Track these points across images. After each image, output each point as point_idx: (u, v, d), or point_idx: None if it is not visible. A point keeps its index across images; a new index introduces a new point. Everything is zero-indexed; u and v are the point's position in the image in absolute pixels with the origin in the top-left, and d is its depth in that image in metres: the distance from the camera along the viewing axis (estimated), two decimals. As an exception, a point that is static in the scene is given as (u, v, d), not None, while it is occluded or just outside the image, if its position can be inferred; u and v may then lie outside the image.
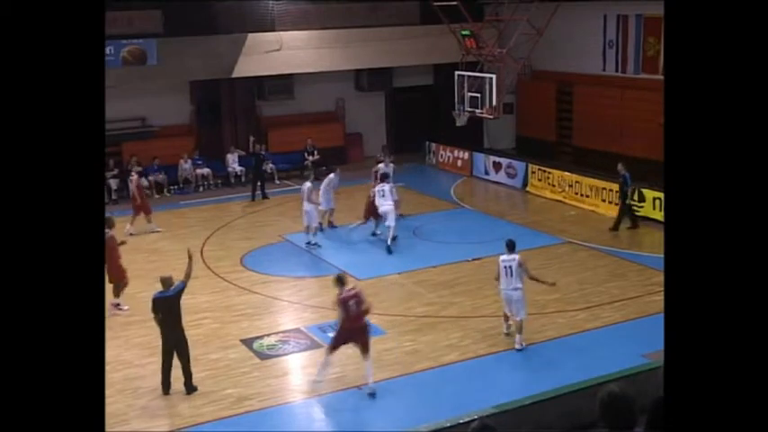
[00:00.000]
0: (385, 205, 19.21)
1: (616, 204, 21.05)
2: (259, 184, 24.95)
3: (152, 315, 12.56)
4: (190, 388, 12.41)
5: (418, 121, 29.98)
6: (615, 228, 20.26)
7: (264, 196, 24.81)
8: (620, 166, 20.01)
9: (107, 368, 13.00)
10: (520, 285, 13.46)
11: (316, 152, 27.16)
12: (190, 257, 12.81)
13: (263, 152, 25.49)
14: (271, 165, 26.56)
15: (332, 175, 20.72)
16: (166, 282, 12.47)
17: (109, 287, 15.24)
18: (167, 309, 12.34)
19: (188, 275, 12.67)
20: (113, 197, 24.91)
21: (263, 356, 13.72)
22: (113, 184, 25.03)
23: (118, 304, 15.78)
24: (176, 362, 12.45)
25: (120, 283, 15.82)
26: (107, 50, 23.20)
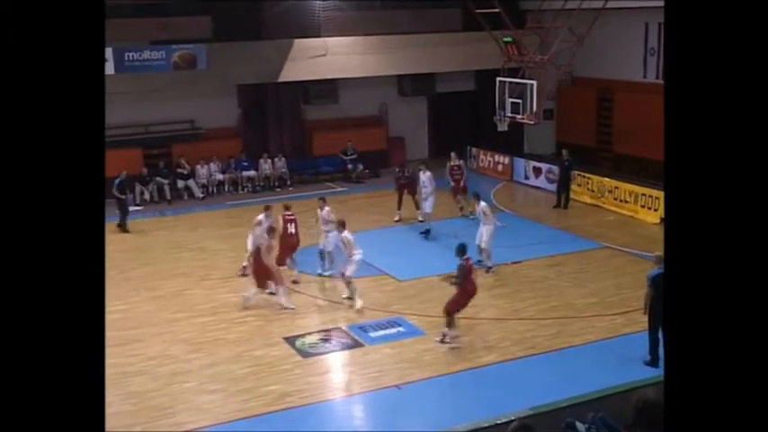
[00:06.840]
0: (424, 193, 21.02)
1: (655, 210, 21.18)
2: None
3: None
4: None
5: (460, 126, 30.16)
6: (559, 205, 23.72)
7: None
8: (564, 152, 23.78)
9: (154, 362, 13.59)
10: None
11: (355, 155, 27.47)
12: None
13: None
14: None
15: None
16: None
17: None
18: None
19: None
20: (168, 197, 25.67)
21: (304, 354, 13.87)
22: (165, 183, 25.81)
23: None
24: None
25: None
26: (159, 55, 23.99)
